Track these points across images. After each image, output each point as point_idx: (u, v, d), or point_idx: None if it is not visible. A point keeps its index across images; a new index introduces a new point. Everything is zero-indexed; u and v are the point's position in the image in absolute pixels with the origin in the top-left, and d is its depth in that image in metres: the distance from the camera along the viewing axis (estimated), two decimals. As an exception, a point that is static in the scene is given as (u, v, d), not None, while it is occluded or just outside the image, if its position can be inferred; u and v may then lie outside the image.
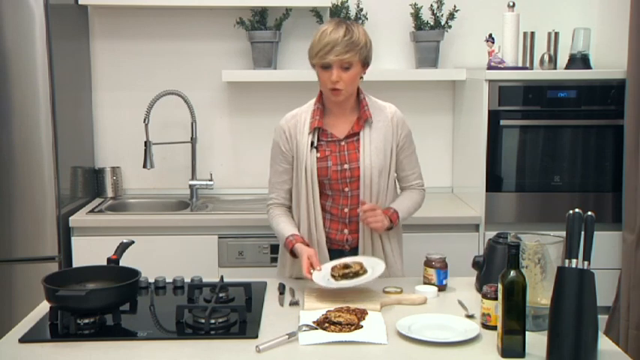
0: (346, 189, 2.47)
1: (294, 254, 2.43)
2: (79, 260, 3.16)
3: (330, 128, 2.48)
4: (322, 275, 2.27)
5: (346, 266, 2.27)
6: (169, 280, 2.43)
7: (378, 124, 2.48)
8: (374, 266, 2.30)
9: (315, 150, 2.45)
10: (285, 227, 2.47)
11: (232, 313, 2.07)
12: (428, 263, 2.38)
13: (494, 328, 1.93)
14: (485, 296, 2.01)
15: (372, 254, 2.50)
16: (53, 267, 3.11)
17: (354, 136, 2.47)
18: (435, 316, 2.11)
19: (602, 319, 3.24)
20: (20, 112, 3.08)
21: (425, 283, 2.37)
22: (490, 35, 3.32)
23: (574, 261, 1.78)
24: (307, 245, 2.40)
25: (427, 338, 1.91)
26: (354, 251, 2.52)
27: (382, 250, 2.52)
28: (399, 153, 2.52)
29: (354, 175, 2.45)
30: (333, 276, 2.27)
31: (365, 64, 2.42)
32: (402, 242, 2.63)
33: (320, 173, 2.45)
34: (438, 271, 2.36)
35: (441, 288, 2.35)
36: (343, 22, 2.40)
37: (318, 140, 2.47)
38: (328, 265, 2.34)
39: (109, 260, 2.25)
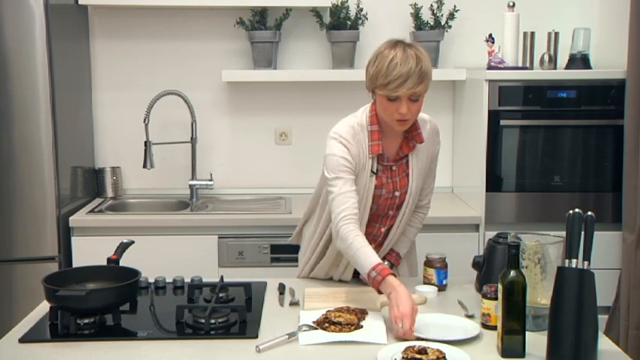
0: (390, 212, 2.42)
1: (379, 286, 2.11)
2: (79, 260, 3.16)
3: (386, 151, 2.34)
4: (391, 353, 1.84)
5: (421, 351, 1.80)
6: (169, 280, 2.43)
7: (422, 143, 2.38)
8: (455, 357, 1.82)
9: (374, 176, 2.33)
10: (370, 252, 2.15)
11: (232, 313, 2.07)
12: (428, 263, 2.38)
13: (494, 328, 1.93)
14: (485, 296, 2.01)
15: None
16: (53, 267, 3.11)
17: (403, 158, 2.36)
18: (436, 315, 2.11)
19: (602, 319, 3.23)
20: (20, 112, 3.08)
21: (425, 283, 2.37)
22: (490, 35, 3.32)
23: (574, 261, 1.78)
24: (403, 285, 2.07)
25: (427, 337, 1.91)
26: None
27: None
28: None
29: (401, 200, 2.39)
30: (403, 357, 1.82)
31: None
32: (415, 246, 2.64)
33: (374, 200, 2.36)
34: (438, 271, 2.36)
35: (441, 288, 2.35)
36: (408, 46, 2.20)
37: (377, 164, 2.34)
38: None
39: (109, 260, 2.25)
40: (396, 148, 2.35)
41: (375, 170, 2.31)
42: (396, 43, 2.21)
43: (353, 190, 2.25)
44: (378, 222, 2.43)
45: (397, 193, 2.38)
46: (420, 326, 1.98)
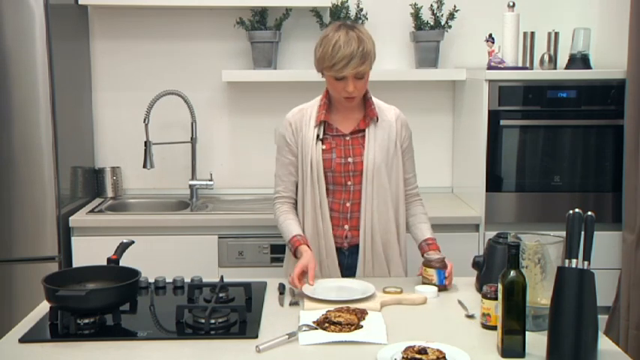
0: (349, 182, 2.49)
1: (295, 254, 2.44)
2: (79, 260, 3.16)
3: (336, 123, 2.51)
4: (391, 353, 1.84)
5: (421, 351, 1.81)
6: (169, 280, 2.43)
7: (382, 123, 2.51)
8: (455, 357, 1.82)
9: (320, 142, 2.48)
10: (292, 225, 2.50)
11: (232, 313, 2.07)
12: (427, 263, 2.36)
13: (494, 328, 1.93)
14: (485, 296, 2.01)
15: (372, 254, 2.51)
16: (53, 267, 3.11)
17: (359, 132, 2.50)
18: (336, 279, 2.42)
19: (602, 319, 3.24)
20: (20, 112, 3.08)
21: (424, 283, 2.36)
22: (490, 35, 3.32)
23: (574, 261, 1.78)
24: (311, 250, 2.42)
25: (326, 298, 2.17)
26: (353, 249, 2.53)
27: (382, 251, 2.53)
28: (403, 154, 2.54)
29: (357, 169, 2.48)
30: (403, 357, 1.81)
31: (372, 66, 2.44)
32: (406, 243, 2.62)
33: (324, 165, 2.48)
34: (439, 271, 2.34)
35: (442, 288, 2.33)
36: (350, 28, 2.39)
37: (324, 134, 2.49)
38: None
39: (109, 260, 2.25)
40: (352, 122, 2.51)
41: (320, 137, 2.48)
42: (340, 26, 2.40)
43: (286, 173, 2.57)
44: (341, 198, 2.50)
45: (350, 160, 2.47)
46: (320, 289, 2.26)
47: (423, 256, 2.46)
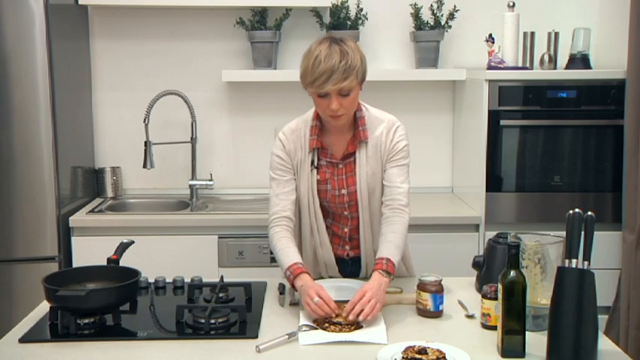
0: (345, 212, 2.40)
1: (294, 282, 2.18)
2: (79, 260, 3.16)
3: (329, 147, 2.36)
4: (391, 353, 1.83)
5: (421, 351, 1.81)
6: (169, 280, 2.43)
7: (372, 140, 2.33)
8: (456, 357, 1.81)
9: (315, 170, 2.35)
10: (292, 254, 2.23)
11: (232, 313, 2.07)
12: (422, 287, 2.12)
13: (494, 328, 1.93)
14: (485, 296, 2.01)
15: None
16: (53, 267, 3.11)
17: (349, 156, 2.35)
18: (335, 279, 2.37)
19: (602, 319, 3.24)
20: (20, 112, 3.08)
21: (418, 308, 2.14)
22: (490, 35, 3.32)
23: (574, 261, 1.78)
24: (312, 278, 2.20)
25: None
26: (355, 260, 2.49)
27: None
28: (386, 163, 2.34)
29: (352, 199, 2.36)
30: (403, 357, 1.81)
31: (362, 81, 2.24)
32: (408, 246, 2.54)
33: (320, 196, 2.37)
34: (434, 295, 2.10)
35: (437, 314, 2.11)
36: (335, 42, 2.19)
37: (319, 160, 2.35)
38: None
39: (109, 260, 2.25)
40: (343, 144, 2.35)
41: (315, 165, 2.34)
42: (323, 40, 2.23)
43: (286, 191, 2.34)
44: (340, 222, 2.44)
45: (344, 191, 2.36)
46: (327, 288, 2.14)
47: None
